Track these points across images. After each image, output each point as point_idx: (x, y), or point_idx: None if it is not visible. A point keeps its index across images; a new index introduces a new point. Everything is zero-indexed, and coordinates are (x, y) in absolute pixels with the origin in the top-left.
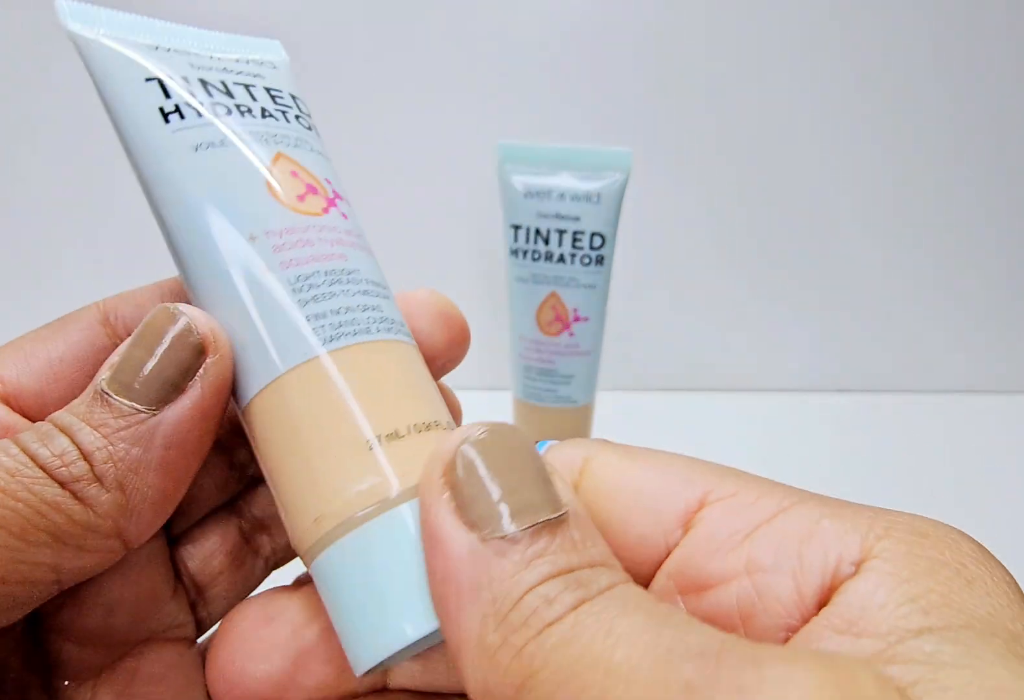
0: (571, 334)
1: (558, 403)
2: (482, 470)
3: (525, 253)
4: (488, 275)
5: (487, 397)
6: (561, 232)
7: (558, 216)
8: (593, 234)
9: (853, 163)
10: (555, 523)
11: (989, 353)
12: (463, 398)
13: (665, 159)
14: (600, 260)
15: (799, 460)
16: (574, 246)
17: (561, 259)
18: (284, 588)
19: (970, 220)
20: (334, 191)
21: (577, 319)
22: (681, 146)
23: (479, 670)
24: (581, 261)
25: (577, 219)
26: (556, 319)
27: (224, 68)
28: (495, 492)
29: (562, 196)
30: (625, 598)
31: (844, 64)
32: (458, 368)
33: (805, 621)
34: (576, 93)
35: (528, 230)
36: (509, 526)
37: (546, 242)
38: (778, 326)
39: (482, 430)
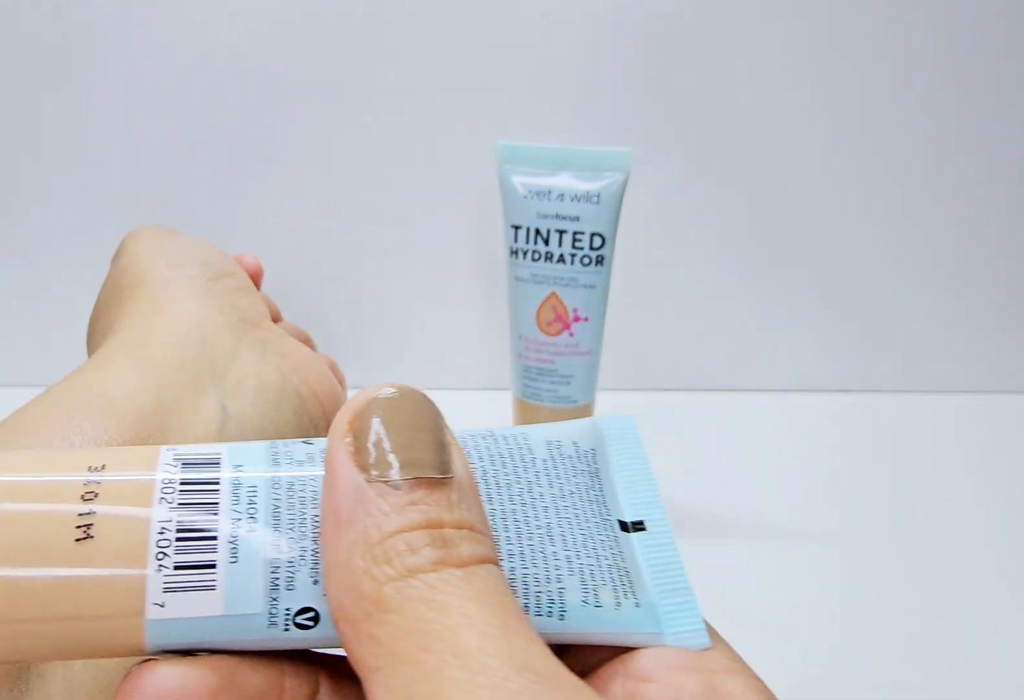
0: (571, 334)
1: (558, 403)
2: (382, 422)
3: (525, 253)
4: (488, 275)
5: (487, 397)
6: (561, 232)
7: (558, 216)
8: (593, 234)
9: (853, 163)
10: (437, 482)
11: (989, 353)
12: (463, 398)
13: (665, 159)
14: (600, 260)
15: (799, 460)
16: (574, 246)
17: (561, 259)
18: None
19: (970, 220)
20: None
21: (577, 319)
22: (681, 146)
23: (340, 588)
24: (581, 261)
25: (577, 219)
26: (556, 319)
27: None
28: (389, 444)
29: (562, 196)
30: (486, 582)
31: (844, 63)
32: (458, 368)
33: None
34: (576, 93)
35: (528, 230)
36: (393, 473)
37: (546, 242)
38: (778, 326)
39: (392, 390)
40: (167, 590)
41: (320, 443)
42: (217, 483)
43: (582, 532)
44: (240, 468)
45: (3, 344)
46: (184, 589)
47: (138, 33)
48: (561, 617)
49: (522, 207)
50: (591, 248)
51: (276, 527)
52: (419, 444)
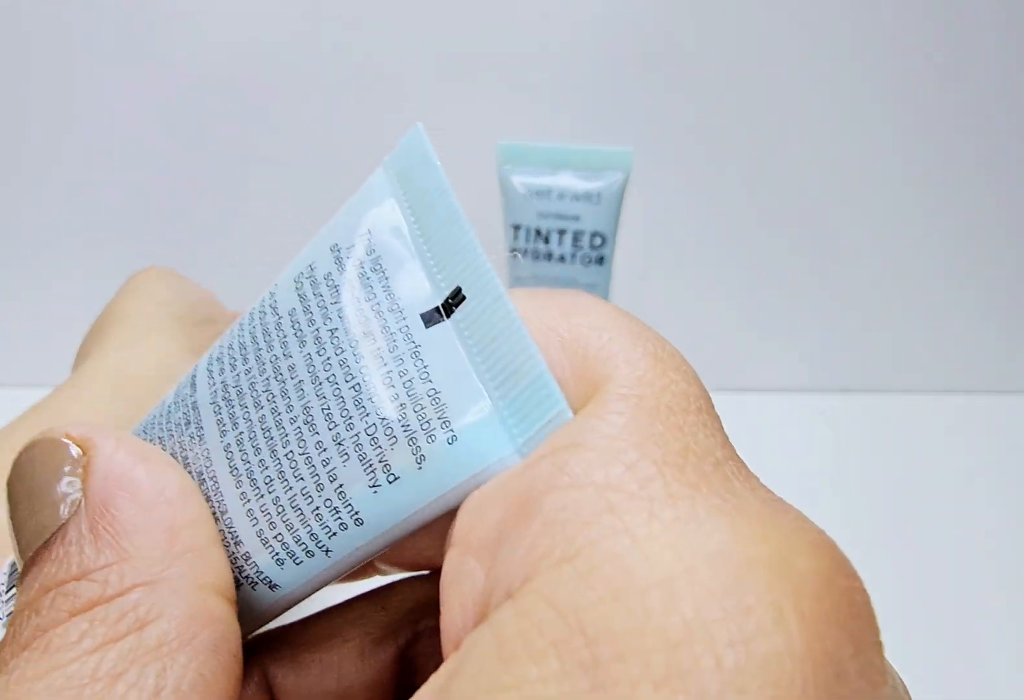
0: None
1: None
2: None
3: (525, 253)
4: None
5: None
6: (561, 232)
7: (558, 216)
8: (593, 234)
9: (855, 162)
10: (46, 545)
11: (989, 353)
12: None
13: (665, 159)
14: (600, 260)
15: (798, 460)
16: (574, 246)
17: (561, 259)
18: None
19: (971, 220)
20: None
21: None
22: (681, 146)
23: None
24: (581, 261)
25: (577, 219)
26: None
27: None
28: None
29: (562, 196)
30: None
31: (845, 61)
32: None
33: None
34: (576, 93)
35: (528, 230)
36: (17, 564)
37: (546, 242)
38: (779, 326)
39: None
40: None
41: None
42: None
43: (354, 383)
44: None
45: (3, 344)
46: None
47: (140, 31)
48: (359, 523)
49: (522, 207)
50: (591, 248)
51: None
52: (24, 516)
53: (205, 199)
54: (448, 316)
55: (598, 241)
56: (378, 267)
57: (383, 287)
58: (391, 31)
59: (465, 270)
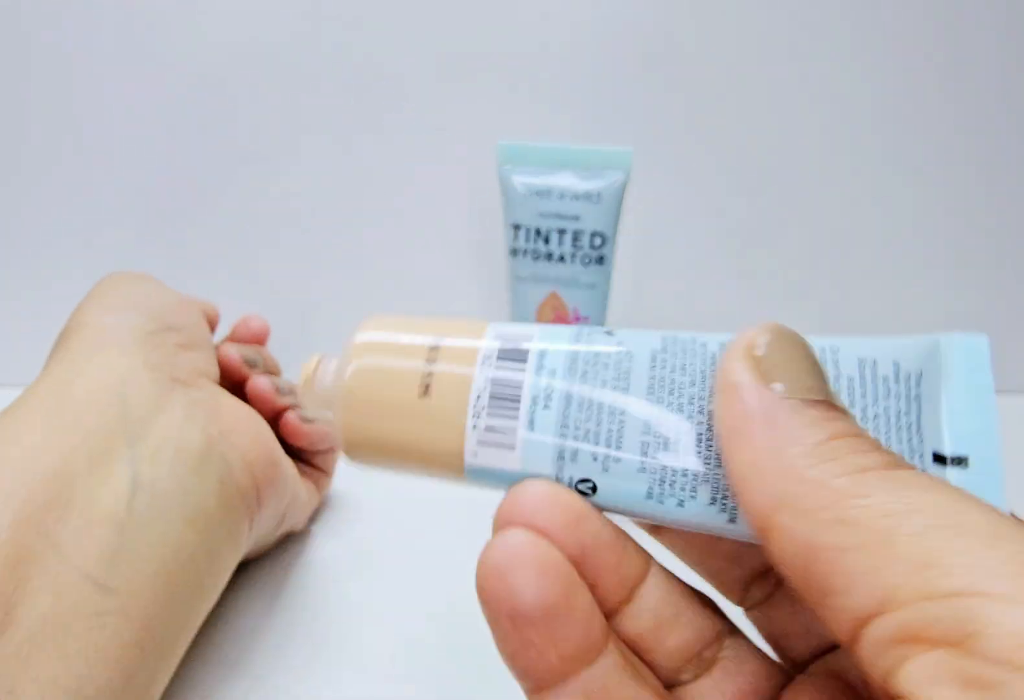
0: None
1: None
2: (778, 351)
3: (525, 252)
4: (488, 275)
5: None
6: (561, 231)
7: (558, 215)
8: (593, 234)
9: (854, 162)
10: (830, 405)
11: (989, 353)
12: None
13: (665, 159)
14: (600, 260)
15: None
16: (574, 245)
17: (561, 258)
18: None
19: (971, 220)
20: None
21: (577, 319)
22: (681, 146)
23: (779, 485)
24: (581, 261)
25: (577, 218)
26: (556, 319)
27: None
28: (789, 368)
29: (562, 195)
30: (931, 478)
31: (845, 61)
32: None
33: None
34: (576, 93)
35: (528, 230)
36: (796, 393)
37: (546, 241)
38: None
39: (773, 331)
40: (479, 443)
41: (621, 334)
42: (525, 360)
43: None
44: (545, 349)
45: (3, 344)
46: (491, 445)
47: (140, 31)
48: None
49: (522, 206)
50: (591, 247)
51: (568, 404)
52: (811, 373)
53: (205, 199)
54: (947, 465)
55: (598, 241)
56: (917, 398)
57: (914, 413)
58: (391, 31)
59: (977, 447)
